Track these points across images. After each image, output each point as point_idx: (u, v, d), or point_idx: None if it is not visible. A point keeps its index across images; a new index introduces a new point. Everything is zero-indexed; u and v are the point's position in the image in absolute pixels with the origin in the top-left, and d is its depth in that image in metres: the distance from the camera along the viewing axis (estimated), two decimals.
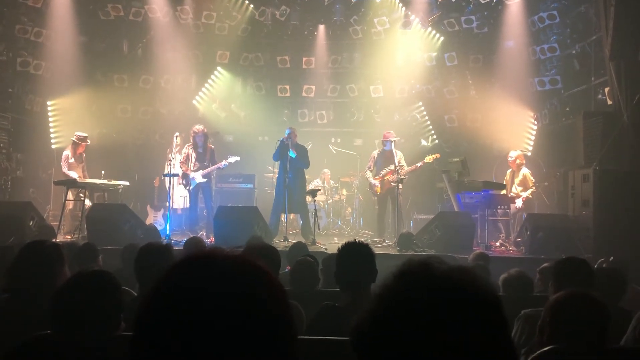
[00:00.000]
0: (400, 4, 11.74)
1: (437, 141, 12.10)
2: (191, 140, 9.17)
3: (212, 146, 9.38)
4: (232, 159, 9.12)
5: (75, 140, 9.33)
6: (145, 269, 3.19)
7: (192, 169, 9.03)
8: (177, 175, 9.11)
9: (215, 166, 9.11)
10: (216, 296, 0.82)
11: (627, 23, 7.85)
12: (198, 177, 9.00)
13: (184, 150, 9.25)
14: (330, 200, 11.28)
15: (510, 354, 0.86)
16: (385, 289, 0.89)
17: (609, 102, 8.45)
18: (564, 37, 10.37)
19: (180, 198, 10.67)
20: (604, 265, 5.00)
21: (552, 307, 2.24)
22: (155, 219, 10.23)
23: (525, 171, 9.25)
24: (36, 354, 2.04)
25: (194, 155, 9.09)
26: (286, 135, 8.86)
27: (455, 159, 9.62)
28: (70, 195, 8.79)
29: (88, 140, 9.53)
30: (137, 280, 3.31)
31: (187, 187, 9.15)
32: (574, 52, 10.04)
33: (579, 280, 3.08)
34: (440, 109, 12.16)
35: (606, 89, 8.62)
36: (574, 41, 10.07)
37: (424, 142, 11.81)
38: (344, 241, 3.32)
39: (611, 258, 5.44)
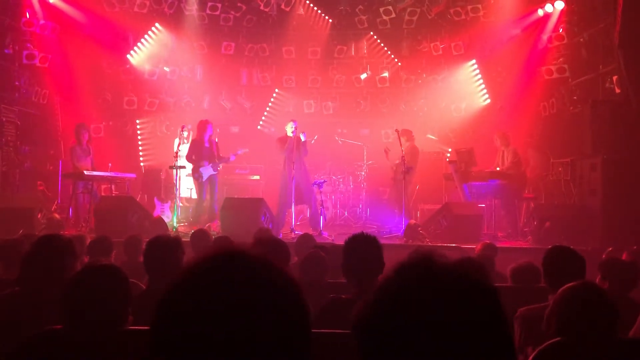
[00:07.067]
0: None
1: (444, 131, 12.05)
2: (196, 134, 9.18)
3: (216, 139, 9.42)
4: (240, 152, 9.21)
5: (74, 131, 9.44)
6: (154, 262, 3.20)
7: (202, 163, 9.02)
8: (183, 167, 9.12)
9: (225, 159, 9.19)
10: (236, 299, 0.83)
11: (635, 10, 7.76)
12: (209, 170, 9.04)
13: (188, 144, 9.27)
14: (337, 191, 11.28)
15: (507, 347, 0.87)
16: (386, 282, 0.90)
17: (617, 91, 8.37)
18: (571, 25, 10.26)
19: (187, 190, 10.70)
20: (623, 257, 4.95)
21: (559, 299, 2.24)
22: (163, 211, 10.28)
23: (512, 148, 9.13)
24: (46, 348, 2.06)
25: (201, 149, 9.08)
26: (293, 129, 8.88)
27: (462, 149, 9.59)
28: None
29: (86, 127, 9.55)
30: (146, 273, 3.33)
31: (200, 180, 9.13)
32: (581, 40, 9.93)
33: (572, 271, 3.06)
34: (446, 98, 12.10)
35: (614, 78, 8.54)
36: (581, 29, 9.97)
37: (429, 135, 11.74)
38: (350, 232, 3.32)
39: (635, 247, 5.39)
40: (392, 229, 9.26)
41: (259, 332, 0.82)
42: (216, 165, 9.11)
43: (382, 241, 3.23)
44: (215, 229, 8.56)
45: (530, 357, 2.20)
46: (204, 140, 9.08)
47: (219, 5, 11.68)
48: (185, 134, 9.41)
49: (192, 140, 9.27)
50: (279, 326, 0.84)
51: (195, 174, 9.09)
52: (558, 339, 2.19)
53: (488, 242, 5.95)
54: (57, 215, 8.56)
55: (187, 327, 0.82)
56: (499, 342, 0.86)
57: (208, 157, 9.05)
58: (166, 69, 12.09)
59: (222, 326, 0.81)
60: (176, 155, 8.91)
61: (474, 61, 11.92)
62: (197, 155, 9.02)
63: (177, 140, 9.89)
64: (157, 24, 11.88)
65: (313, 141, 9.94)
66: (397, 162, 9.31)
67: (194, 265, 0.89)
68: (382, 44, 12.36)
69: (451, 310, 0.83)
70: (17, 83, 10.54)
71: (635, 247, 5.29)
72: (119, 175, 9.36)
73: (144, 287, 3.34)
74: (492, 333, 0.85)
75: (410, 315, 0.83)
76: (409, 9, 11.70)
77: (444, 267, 0.89)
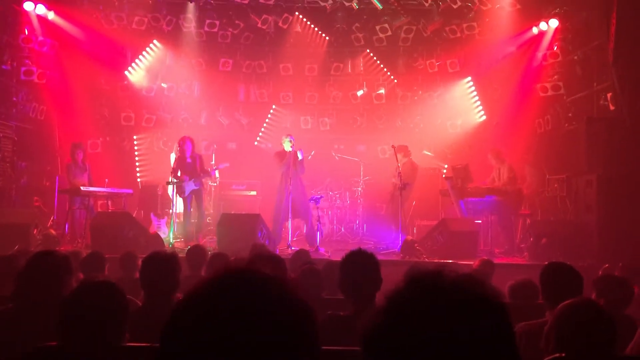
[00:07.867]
0: (402, 12, 11.77)
1: (440, 147, 12.10)
2: (178, 150, 9.21)
3: (200, 154, 9.46)
4: (222, 166, 9.48)
5: (70, 151, 9.45)
6: (151, 278, 3.18)
7: (182, 178, 9.04)
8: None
9: (208, 174, 9.28)
10: (249, 317, 0.83)
11: (629, 28, 7.86)
12: (190, 185, 9.05)
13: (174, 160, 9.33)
14: (334, 207, 11.28)
15: None
16: (396, 296, 0.90)
17: (612, 108, 8.44)
18: (565, 42, 10.37)
19: (182, 206, 10.68)
20: (615, 273, 4.96)
21: (558, 316, 2.24)
22: (159, 227, 10.25)
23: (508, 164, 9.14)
24: None
25: (183, 164, 9.10)
26: (292, 143, 8.91)
27: (459, 165, 9.62)
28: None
29: (81, 147, 9.58)
30: (142, 289, 3.30)
31: (182, 195, 9.15)
32: (576, 57, 10.04)
33: (569, 288, 3.06)
34: (442, 115, 12.18)
35: (608, 95, 8.61)
36: (575, 47, 10.08)
37: (425, 152, 11.78)
38: (347, 248, 3.32)
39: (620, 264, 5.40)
40: (388, 245, 9.25)
41: (273, 349, 0.82)
42: (198, 180, 9.14)
43: (379, 257, 3.22)
44: (208, 243, 8.54)
45: None
46: (185, 157, 9.12)
47: (217, 22, 11.76)
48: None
49: (176, 158, 9.30)
50: (293, 343, 0.84)
51: (179, 190, 9.13)
52: (557, 355, 2.19)
53: (486, 258, 5.94)
54: (53, 231, 8.53)
55: (200, 344, 0.81)
56: (507, 357, 0.86)
57: (189, 172, 9.07)
58: (164, 85, 12.13)
59: (236, 343, 0.81)
60: (173, 172, 8.93)
61: (469, 78, 12.03)
62: (180, 171, 9.06)
63: (173, 157, 9.91)
64: (155, 41, 11.96)
65: (310, 157, 9.96)
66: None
67: (206, 283, 0.89)
68: (378, 61, 12.47)
69: (461, 323, 0.83)
70: (14, 99, 10.57)
71: (620, 264, 5.29)
72: (115, 191, 9.35)
73: (140, 304, 3.32)
74: (501, 347, 0.85)
75: (419, 328, 0.84)
76: (405, 27, 11.80)
77: (454, 281, 0.89)
